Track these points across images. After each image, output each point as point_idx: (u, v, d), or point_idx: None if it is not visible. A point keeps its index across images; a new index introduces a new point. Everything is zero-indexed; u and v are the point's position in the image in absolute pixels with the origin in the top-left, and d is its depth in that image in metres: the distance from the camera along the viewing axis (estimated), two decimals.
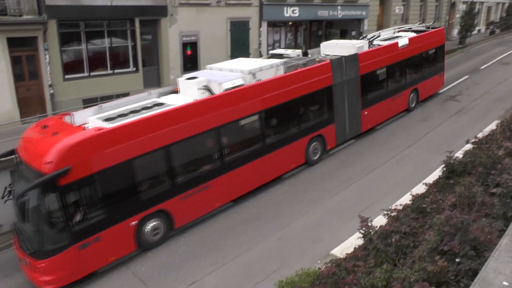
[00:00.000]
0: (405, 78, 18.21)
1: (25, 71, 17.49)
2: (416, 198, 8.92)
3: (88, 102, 16.87)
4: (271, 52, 16.42)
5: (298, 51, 15.81)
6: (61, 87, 17.96)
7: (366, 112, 15.99)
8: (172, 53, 21.05)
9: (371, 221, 7.62)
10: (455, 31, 38.88)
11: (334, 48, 16.55)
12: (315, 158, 14.40)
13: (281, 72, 13.35)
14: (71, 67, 18.40)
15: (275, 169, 13.11)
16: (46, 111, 17.61)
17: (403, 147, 15.26)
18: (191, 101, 11.30)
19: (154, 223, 10.40)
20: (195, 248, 10.47)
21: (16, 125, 15.89)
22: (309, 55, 16.42)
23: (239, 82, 12.09)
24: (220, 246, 10.40)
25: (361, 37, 19.31)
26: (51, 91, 17.73)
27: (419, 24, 22.46)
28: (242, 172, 12.00)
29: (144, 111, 10.70)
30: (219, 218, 11.70)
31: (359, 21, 30.97)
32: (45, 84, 17.67)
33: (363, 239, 7.44)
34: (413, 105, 19.09)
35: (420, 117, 18.32)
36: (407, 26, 22.02)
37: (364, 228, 7.42)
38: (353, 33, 29.52)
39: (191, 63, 21.78)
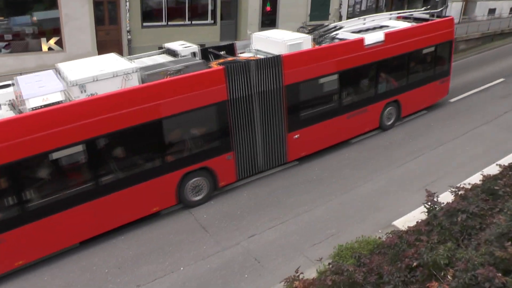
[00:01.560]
0: (375, 87, 13.54)
1: (105, 16, 18.25)
2: (488, 179, 8.58)
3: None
4: (166, 45, 12.18)
5: (194, 48, 11.49)
6: (138, 33, 18.56)
7: (296, 135, 11.92)
8: (251, 8, 21.04)
9: (438, 196, 7.52)
10: None
11: (265, 42, 12.25)
12: (198, 198, 10.79)
13: (134, 83, 9.52)
14: (149, 15, 18.91)
15: (121, 215, 9.84)
16: (122, 55, 18.33)
17: (477, 123, 14.55)
18: None
19: None
20: (257, 202, 10.85)
21: None
22: (236, 50, 12.76)
23: (55, 98, 8.62)
24: (281, 203, 10.70)
25: (310, 29, 14.23)
26: (129, 37, 18.40)
27: (425, 9, 16.57)
28: (58, 221, 9.04)
29: None
30: (284, 175, 11.98)
31: None
32: (124, 30, 18.37)
33: (427, 214, 7.38)
34: (390, 122, 14.38)
35: (501, 94, 17.21)
36: (408, 12, 16.52)
37: (429, 203, 7.34)
38: None
39: (269, 19, 21.79)
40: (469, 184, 8.47)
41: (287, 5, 21.94)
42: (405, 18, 15.78)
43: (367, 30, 14.30)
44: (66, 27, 17.05)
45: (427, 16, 15.80)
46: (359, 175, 11.74)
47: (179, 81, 9.86)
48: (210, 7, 20.16)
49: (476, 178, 9.31)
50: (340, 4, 24.08)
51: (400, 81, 14.29)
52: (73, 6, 16.88)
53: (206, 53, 12.12)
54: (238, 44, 12.98)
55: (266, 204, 10.69)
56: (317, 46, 12.41)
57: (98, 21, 17.90)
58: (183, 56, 11.19)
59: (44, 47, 17.37)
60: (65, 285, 8.64)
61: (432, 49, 14.75)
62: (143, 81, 9.74)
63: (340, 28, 13.80)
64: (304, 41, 11.93)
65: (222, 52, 12.01)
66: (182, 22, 19.63)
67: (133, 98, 9.31)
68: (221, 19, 20.48)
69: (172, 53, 11.63)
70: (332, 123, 12.62)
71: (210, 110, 10.39)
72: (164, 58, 11.35)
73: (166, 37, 18.83)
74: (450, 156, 12.51)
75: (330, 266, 6.51)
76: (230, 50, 12.68)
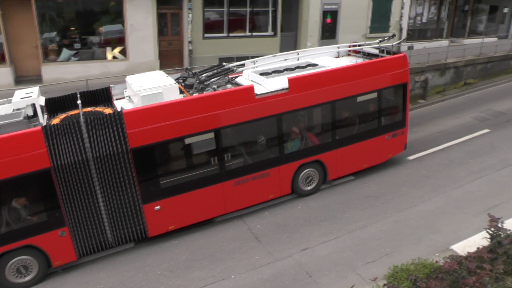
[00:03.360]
0: (279, 146, 10.88)
1: (168, 27, 18.97)
2: None
3: (224, 61, 17.75)
4: (16, 92, 9.94)
5: (33, 99, 9.36)
6: (199, 44, 19.10)
7: (157, 207, 9.81)
8: (311, 20, 21.13)
9: (502, 222, 7.20)
10: None
11: (129, 88, 10.28)
12: (25, 280, 9.03)
13: None
14: (211, 27, 19.42)
15: None
16: (183, 65, 19.00)
17: None
18: None
19: None
20: (312, 215, 10.80)
21: None
22: (112, 95, 10.69)
23: None
24: (336, 218, 10.61)
25: (198, 72, 11.37)
26: (190, 47, 18.97)
27: (380, 42, 12.85)
28: None
29: None
30: (339, 190, 11.90)
31: None
32: (185, 40, 18.98)
33: (490, 240, 7.08)
34: (311, 187, 11.65)
35: None
36: (358, 45, 13.20)
37: (493, 229, 7.04)
38: (505, 9, 26.55)
39: (329, 31, 21.82)
40: None
41: (348, 17, 21.88)
42: (358, 53, 13.02)
43: (283, 71, 11.50)
44: (131, 37, 17.86)
45: (377, 52, 12.61)
46: (416, 194, 11.43)
47: None
48: (270, 19, 20.45)
49: None
50: (401, 16, 23.66)
51: (323, 137, 11.55)
52: (138, 18, 17.69)
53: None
54: (117, 88, 10.80)
55: (320, 218, 10.63)
56: (189, 96, 9.99)
57: (161, 31, 18.62)
58: (17, 109, 9.24)
59: (109, 56, 18.29)
60: (119, 283, 8.97)
61: (374, 95, 11.75)
62: None
63: (232, 70, 11.12)
64: (166, 91, 9.62)
65: (78, 102, 9.56)
66: (242, 34, 20.01)
67: None
68: (282, 31, 20.71)
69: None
70: (211, 192, 10.28)
71: (28, 180, 8.56)
72: (7, 109, 9.51)
73: (226, 48, 19.53)
74: None
75: (385, 287, 6.39)
76: (106, 95, 10.68)
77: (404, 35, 23.55)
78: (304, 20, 21.02)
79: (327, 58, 12.60)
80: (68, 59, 17.46)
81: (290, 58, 12.43)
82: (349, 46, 13.23)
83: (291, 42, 21.36)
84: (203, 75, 10.81)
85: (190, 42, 18.86)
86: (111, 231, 9.58)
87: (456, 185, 11.74)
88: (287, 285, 8.55)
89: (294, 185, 11.38)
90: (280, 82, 10.55)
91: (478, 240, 8.04)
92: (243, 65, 11.74)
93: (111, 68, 17.72)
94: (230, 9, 19.48)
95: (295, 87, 10.51)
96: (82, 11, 17.55)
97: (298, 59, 12.47)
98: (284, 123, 10.74)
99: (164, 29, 18.82)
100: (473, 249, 7.57)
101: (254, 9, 19.96)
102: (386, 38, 12.90)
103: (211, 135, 9.86)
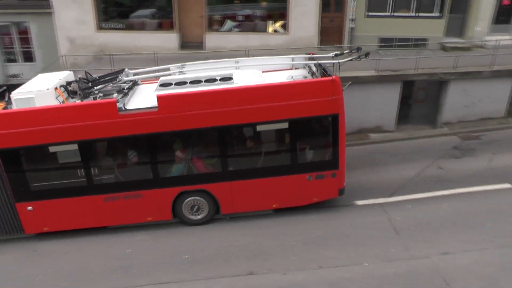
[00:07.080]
0: (151, 168, 10.18)
1: (331, 4, 19.06)
2: None
3: (385, 41, 17.45)
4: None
5: None
6: (361, 22, 18.82)
7: (30, 207, 10.23)
8: (485, 1, 19.23)
9: None
10: None
11: None
12: None
13: None
14: (375, 5, 18.95)
15: None
16: (342, 42, 19.01)
17: None
18: None
19: None
20: (457, 218, 10.27)
21: (314, 51, 17.65)
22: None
23: None
24: (484, 227, 9.90)
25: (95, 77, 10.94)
26: (352, 25, 18.82)
27: (335, 55, 11.14)
28: None
29: None
30: (492, 196, 11.13)
31: None
32: (347, 18, 18.90)
33: None
34: (199, 216, 10.73)
35: None
36: (309, 58, 11.40)
37: None
38: None
39: (504, 15, 19.63)
40: None
41: None
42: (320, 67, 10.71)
43: (186, 83, 10.34)
44: (293, 12, 18.44)
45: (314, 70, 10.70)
46: None
47: None
48: None
49: None
50: None
51: (211, 166, 10.46)
52: None
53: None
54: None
55: (467, 224, 10.03)
56: (51, 105, 9.67)
57: (324, 8, 18.78)
58: None
59: (270, 29, 19.15)
60: (254, 244, 9.64)
61: (284, 125, 9.98)
62: None
63: (116, 78, 10.69)
64: (38, 96, 9.55)
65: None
66: (407, 14, 19.10)
67: None
68: (449, 12, 19.23)
69: None
70: (81, 203, 10.30)
71: None
72: None
73: (388, 28, 19.10)
74: None
75: None
76: None
77: None
78: (476, 0, 19.17)
79: (251, 72, 10.85)
80: (230, 30, 18.75)
81: (227, 67, 11.23)
82: (307, 59, 11.40)
83: (457, 26, 19.74)
84: (101, 80, 10.63)
85: (352, 20, 18.69)
86: None
87: None
88: (420, 287, 8.29)
89: (177, 211, 10.73)
90: (145, 100, 9.94)
91: None
92: (168, 69, 11.20)
93: (271, 41, 18.59)
94: None
95: (166, 106, 9.57)
96: None
97: (237, 67, 11.23)
98: (155, 145, 10.11)
99: (328, 5, 18.95)
100: None
101: None
102: (346, 52, 11.04)
103: (75, 146, 9.80)
